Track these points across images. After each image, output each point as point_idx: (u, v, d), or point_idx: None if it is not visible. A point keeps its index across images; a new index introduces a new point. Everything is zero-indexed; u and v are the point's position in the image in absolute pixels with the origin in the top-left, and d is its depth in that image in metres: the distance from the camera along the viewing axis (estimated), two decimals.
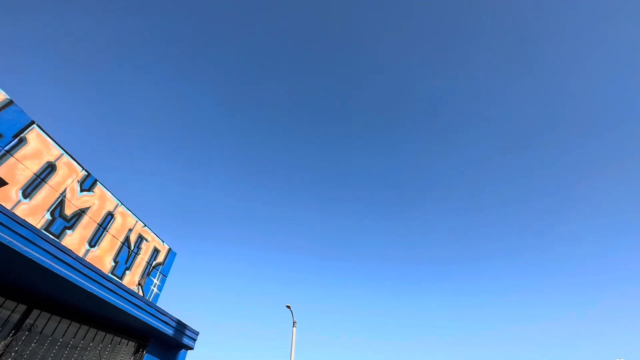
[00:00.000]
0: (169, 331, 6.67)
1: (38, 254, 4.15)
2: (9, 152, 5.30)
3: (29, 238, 4.03)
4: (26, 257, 4.00)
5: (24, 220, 4.10)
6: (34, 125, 5.76)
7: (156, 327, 6.28)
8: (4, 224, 3.76)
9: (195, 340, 7.61)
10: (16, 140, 5.42)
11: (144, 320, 5.96)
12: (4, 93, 5.26)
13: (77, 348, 5.69)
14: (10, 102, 5.33)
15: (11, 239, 3.83)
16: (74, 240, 6.40)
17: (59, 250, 4.44)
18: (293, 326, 19.81)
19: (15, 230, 3.89)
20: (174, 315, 6.85)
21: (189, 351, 7.72)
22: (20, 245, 3.94)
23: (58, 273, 4.40)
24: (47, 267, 4.25)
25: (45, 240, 4.27)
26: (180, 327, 7.04)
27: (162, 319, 6.44)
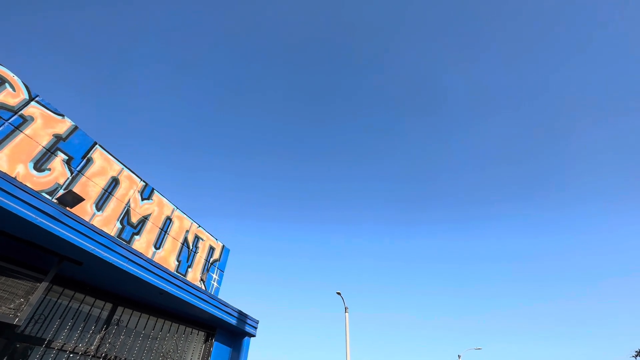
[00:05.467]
0: (233, 321, 7.21)
1: (116, 258, 4.72)
2: (80, 172, 6.00)
3: (107, 245, 4.59)
4: (107, 261, 4.57)
5: (102, 230, 4.67)
6: (97, 146, 6.44)
7: (221, 317, 6.84)
8: (87, 235, 4.31)
9: (256, 328, 8.15)
10: (84, 160, 6.11)
11: (210, 312, 6.52)
12: (70, 120, 5.94)
13: (156, 339, 6.41)
14: (75, 128, 6.01)
15: (94, 247, 4.39)
16: (142, 244, 7.13)
17: (132, 254, 5.00)
18: (345, 312, 20.27)
19: (96, 239, 4.44)
20: (235, 307, 7.39)
21: (251, 338, 8.30)
22: (102, 252, 4.50)
23: (134, 274, 4.97)
24: (124, 269, 4.82)
25: (120, 246, 4.83)
26: (242, 316, 7.58)
27: (225, 310, 6.98)
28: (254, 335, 8.14)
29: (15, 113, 5.09)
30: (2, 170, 4.73)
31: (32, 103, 5.38)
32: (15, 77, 5.24)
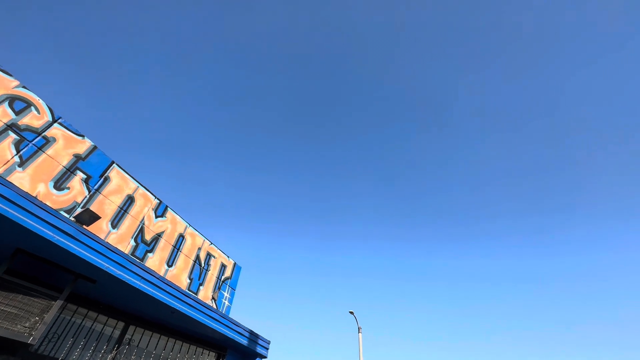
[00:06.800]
0: (244, 341, 7.06)
1: (129, 276, 4.73)
2: (98, 190, 6.16)
3: (121, 263, 4.61)
4: (120, 279, 4.59)
5: (116, 247, 4.72)
6: (114, 165, 6.62)
7: (232, 337, 6.71)
8: (102, 252, 4.36)
9: (267, 349, 7.94)
10: (102, 179, 6.28)
11: (221, 332, 6.41)
12: (90, 141, 6.15)
13: (167, 359, 6.31)
14: (95, 148, 6.22)
15: (108, 265, 4.42)
16: (155, 262, 7.16)
17: (145, 272, 5.01)
18: (358, 332, 19.64)
19: (110, 257, 4.48)
20: (246, 326, 7.25)
21: (262, 359, 8.08)
22: (115, 270, 4.53)
23: (146, 292, 4.96)
24: (137, 287, 4.82)
25: (134, 264, 4.85)
26: (253, 336, 7.42)
27: (236, 329, 6.85)
28: (265, 357, 7.93)
29: (39, 134, 5.32)
30: (24, 189, 4.89)
31: (55, 125, 5.62)
32: (40, 100, 5.50)
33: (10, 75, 5.19)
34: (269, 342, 8.01)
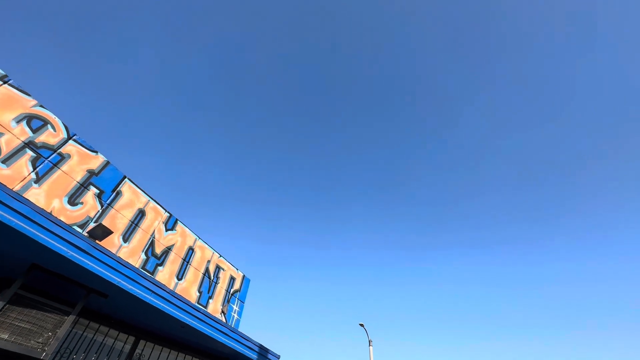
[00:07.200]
0: (253, 355, 6.97)
1: (140, 290, 4.75)
2: (110, 205, 6.26)
3: (132, 277, 4.65)
4: (131, 294, 4.61)
5: (127, 262, 4.76)
6: (126, 179, 6.75)
7: (241, 352, 6.63)
8: (114, 267, 4.41)
9: None
10: (114, 194, 6.40)
11: (230, 346, 6.35)
12: (103, 156, 6.30)
13: None
14: (107, 163, 6.36)
15: (120, 280, 4.46)
16: (165, 275, 7.19)
17: (155, 286, 5.03)
18: (369, 345, 19.22)
19: (122, 272, 4.52)
20: (256, 340, 7.17)
21: None
22: (127, 285, 4.56)
23: (157, 307, 4.96)
24: (147, 301, 4.83)
25: (144, 278, 4.88)
26: (263, 351, 7.32)
27: (246, 344, 6.78)
28: None
29: (55, 151, 5.47)
30: (39, 205, 5.01)
31: (70, 141, 5.78)
32: (57, 119, 5.68)
33: (29, 95, 5.38)
34: (278, 357, 7.89)
